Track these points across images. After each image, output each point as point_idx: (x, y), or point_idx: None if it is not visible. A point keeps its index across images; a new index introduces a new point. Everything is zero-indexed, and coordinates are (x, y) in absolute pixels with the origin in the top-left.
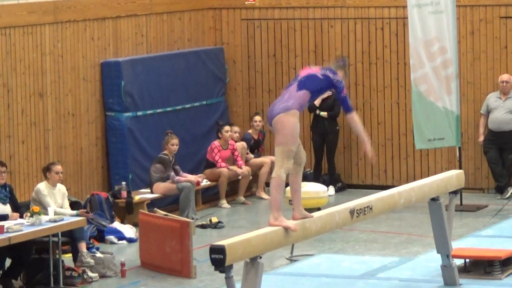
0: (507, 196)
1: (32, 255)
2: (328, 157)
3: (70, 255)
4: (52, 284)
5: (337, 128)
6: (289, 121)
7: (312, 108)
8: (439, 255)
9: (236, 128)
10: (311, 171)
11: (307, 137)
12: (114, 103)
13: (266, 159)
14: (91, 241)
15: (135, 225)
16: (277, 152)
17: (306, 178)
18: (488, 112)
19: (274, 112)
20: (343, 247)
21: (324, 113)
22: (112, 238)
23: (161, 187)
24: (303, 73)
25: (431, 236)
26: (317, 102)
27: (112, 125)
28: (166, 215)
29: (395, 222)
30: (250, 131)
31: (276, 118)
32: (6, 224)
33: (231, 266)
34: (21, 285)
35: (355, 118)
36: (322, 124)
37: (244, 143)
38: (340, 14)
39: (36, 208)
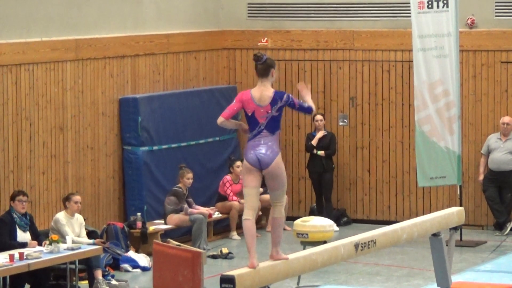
0: (506, 232)
1: (50, 281)
2: (325, 195)
3: (86, 282)
4: None
5: (333, 166)
6: (283, 165)
7: (309, 148)
8: None
9: None
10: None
11: (306, 175)
12: (131, 137)
13: None
14: (107, 269)
15: (149, 254)
16: (278, 195)
17: (312, 212)
18: (489, 152)
19: (270, 158)
20: (347, 278)
21: (321, 152)
22: (126, 266)
23: (174, 219)
24: (260, 116)
25: (432, 270)
26: (314, 142)
27: (129, 158)
28: (179, 245)
29: (398, 256)
30: None
31: (274, 163)
32: (25, 251)
33: None
34: None
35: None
36: (320, 162)
37: None
38: (349, 56)
39: (55, 236)
